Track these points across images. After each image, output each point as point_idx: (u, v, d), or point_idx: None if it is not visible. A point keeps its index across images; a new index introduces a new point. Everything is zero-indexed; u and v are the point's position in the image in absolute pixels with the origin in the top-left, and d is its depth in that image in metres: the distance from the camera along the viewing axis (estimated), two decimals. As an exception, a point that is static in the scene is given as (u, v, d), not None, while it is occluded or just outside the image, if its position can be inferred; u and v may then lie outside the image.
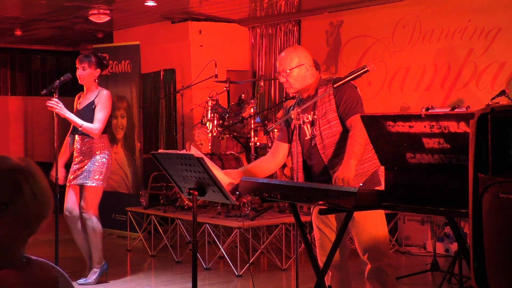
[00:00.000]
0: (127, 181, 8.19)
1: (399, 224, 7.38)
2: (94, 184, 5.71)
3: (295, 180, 3.82)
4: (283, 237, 6.56)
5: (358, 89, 3.83)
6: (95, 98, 5.77)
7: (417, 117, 2.70)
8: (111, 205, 7.84)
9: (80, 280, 5.81)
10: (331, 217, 3.86)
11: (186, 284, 5.99)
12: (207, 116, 7.13)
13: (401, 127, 2.77)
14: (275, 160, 4.02)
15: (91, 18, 9.19)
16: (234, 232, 6.34)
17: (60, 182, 5.70)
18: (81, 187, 5.76)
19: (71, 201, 5.79)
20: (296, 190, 3.24)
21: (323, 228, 3.94)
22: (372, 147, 3.05)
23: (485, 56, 7.03)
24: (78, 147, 5.81)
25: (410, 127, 2.74)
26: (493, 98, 5.56)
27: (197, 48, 9.40)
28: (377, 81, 7.98)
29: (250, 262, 6.19)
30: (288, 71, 3.80)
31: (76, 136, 5.83)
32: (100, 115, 5.71)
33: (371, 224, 3.78)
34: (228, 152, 7.42)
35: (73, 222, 5.80)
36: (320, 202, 3.04)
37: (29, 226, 1.72)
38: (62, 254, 5.62)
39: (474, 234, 2.36)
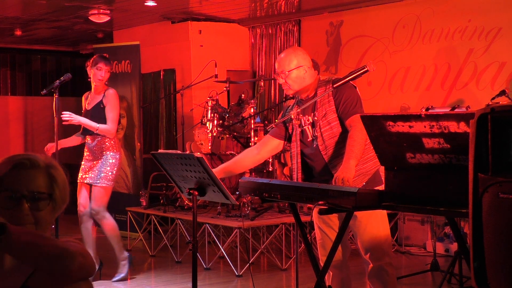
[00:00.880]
0: (127, 181, 8.19)
1: (399, 224, 7.38)
2: (104, 185, 5.80)
3: (294, 180, 3.82)
4: (283, 237, 6.56)
5: (357, 89, 3.83)
6: (103, 98, 5.85)
7: (417, 117, 2.70)
8: (111, 205, 7.78)
9: (114, 278, 5.95)
10: (333, 217, 3.85)
11: (186, 284, 5.99)
12: (207, 116, 7.13)
13: (401, 127, 2.77)
14: (260, 153, 4.01)
15: (91, 18, 9.19)
16: (234, 232, 6.34)
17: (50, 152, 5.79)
18: (91, 186, 5.85)
19: (83, 197, 5.89)
20: (296, 190, 3.24)
21: (324, 228, 3.94)
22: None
23: (485, 56, 7.03)
24: (89, 147, 5.90)
25: (410, 127, 2.74)
26: (493, 98, 5.56)
27: (197, 48, 9.40)
28: (377, 81, 7.98)
29: (250, 262, 6.19)
30: (286, 72, 3.80)
31: (87, 137, 5.91)
32: (112, 115, 5.82)
33: (373, 223, 3.79)
34: (228, 152, 7.42)
35: (85, 218, 5.90)
36: (320, 202, 3.04)
37: (59, 210, 2.12)
38: (62, 254, 5.62)
39: (474, 234, 2.36)
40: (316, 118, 3.79)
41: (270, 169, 7.00)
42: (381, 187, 3.54)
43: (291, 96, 4.10)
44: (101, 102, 5.84)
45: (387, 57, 7.95)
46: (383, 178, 3.58)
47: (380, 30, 8.03)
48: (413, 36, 7.69)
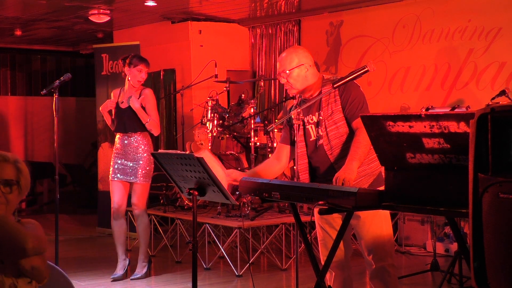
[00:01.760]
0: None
1: (399, 224, 7.38)
2: (144, 182, 5.94)
3: (300, 181, 3.80)
4: (283, 237, 6.56)
5: (360, 88, 3.81)
6: (139, 97, 5.94)
7: (417, 117, 2.70)
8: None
9: (132, 276, 6.08)
10: (336, 217, 3.84)
11: (186, 284, 6.00)
12: (207, 116, 7.13)
13: (401, 127, 2.77)
14: (280, 163, 4.01)
15: (91, 18, 9.19)
16: (234, 232, 6.34)
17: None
18: (131, 184, 5.99)
19: (117, 195, 6.02)
20: (296, 190, 3.24)
21: (326, 228, 3.93)
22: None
23: (485, 56, 7.03)
24: (121, 145, 5.99)
25: (410, 127, 2.74)
26: (493, 98, 5.56)
27: (197, 48, 9.40)
28: (377, 81, 7.98)
29: (250, 262, 6.19)
30: (288, 71, 3.78)
31: (120, 134, 6.01)
32: (155, 114, 5.99)
33: (376, 224, 3.78)
34: (228, 152, 7.42)
35: (119, 216, 6.05)
36: (320, 202, 3.04)
37: (23, 195, 2.83)
38: (62, 254, 5.63)
39: (474, 234, 2.36)
40: (321, 117, 3.76)
41: (270, 169, 6.99)
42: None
43: (293, 95, 4.08)
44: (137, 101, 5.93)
45: (387, 57, 7.95)
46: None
47: (380, 30, 8.03)
48: (413, 36, 7.69)
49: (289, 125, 3.95)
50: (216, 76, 8.05)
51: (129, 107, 5.91)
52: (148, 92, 5.98)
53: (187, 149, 7.79)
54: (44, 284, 2.86)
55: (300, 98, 3.92)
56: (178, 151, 3.61)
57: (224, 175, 3.66)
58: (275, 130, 6.66)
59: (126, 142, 5.98)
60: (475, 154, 2.34)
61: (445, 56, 7.39)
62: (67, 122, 11.74)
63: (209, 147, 7.35)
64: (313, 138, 3.81)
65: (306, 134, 3.84)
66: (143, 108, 5.93)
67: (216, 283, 6.06)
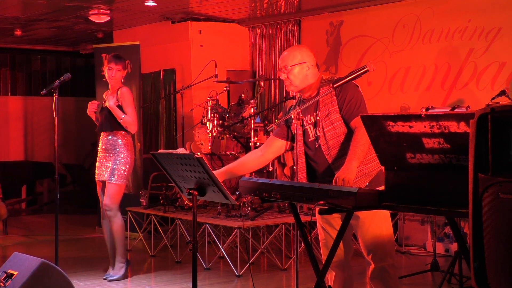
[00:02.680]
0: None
1: (399, 224, 7.38)
2: (117, 182, 5.87)
3: (296, 181, 3.81)
4: (283, 237, 6.56)
5: (359, 88, 3.82)
6: (117, 96, 5.92)
7: (417, 117, 2.70)
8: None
9: (107, 276, 5.98)
10: (337, 217, 3.84)
11: (186, 284, 6.00)
12: (207, 116, 7.13)
13: (401, 127, 2.77)
14: (264, 155, 3.98)
15: (91, 18, 9.19)
16: (234, 232, 6.34)
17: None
18: (103, 184, 5.93)
19: (102, 195, 5.99)
20: (296, 190, 3.24)
21: (327, 228, 3.93)
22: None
23: (485, 56, 7.03)
24: (102, 144, 5.97)
25: (410, 127, 2.74)
26: (493, 98, 5.55)
27: (197, 48, 9.40)
28: (377, 81, 7.98)
29: (250, 262, 6.19)
30: (289, 67, 3.79)
31: (103, 133, 5.99)
32: (130, 111, 5.89)
33: (376, 224, 3.77)
34: (228, 152, 7.42)
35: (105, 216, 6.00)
36: (320, 202, 3.04)
37: None
38: (62, 254, 5.63)
39: (474, 234, 2.36)
40: (318, 118, 3.77)
41: (270, 169, 7.00)
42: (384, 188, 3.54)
43: (293, 94, 4.08)
44: (116, 100, 5.90)
45: (387, 57, 7.95)
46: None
47: (380, 30, 8.03)
48: (413, 36, 7.69)
49: (287, 125, 3.95)
50: (216, 76, 8.05)
51: (106, 106, 5.92)
52: (124, 90, 5.92)
53: (187, 149, 7.79)
54: None
55: (299, 98, 3.93)
56: (178, 151, 3.61)
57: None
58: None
59: (104, 141, 5.95)
60: (475, 154, 2.34)
61: (445, 56, 7.39)
62: (67, 122, 11.73)
63: (209, 147, 7.36)
64: (311, 138, 3.82)
65: (305, 134, 3.84)
66: (120, 106, 5.89)
67: (216, 283, 6.06)
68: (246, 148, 7.38)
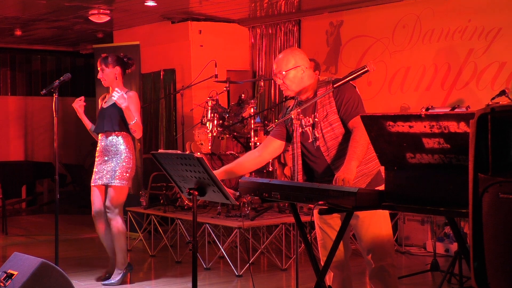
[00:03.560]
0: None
1: (399, 224, 7.38)
2: (120, 184, 5.74)
3: (295, 181, 3.81)
4: (283, 237, 6.56)
5: (357, 88, 3.82)
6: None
7: (417, 117, 2.70)
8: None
9: (105, 281, 5.88)
10: (335, 217, 3.85)
11: (186, 284, 6.00)
12: (207, 116, 7.12)
13: (401, 127, 2.77)
14: (261, 155, 3.98)
15: (91, 18, 9.19)
16: (234, 232, 6.34)
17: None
18: (107, 187, 5.79)
19: (97, 201, 5.83)
20: (296, 190, 3.24)
21: (325, 228, 3.94)
22: (375, 146, 3.04)
23: (485, 56, 7.03)
24: (103, 145, 5.82)
25: (410, 127, 2.74)
26: (493, 98, 5.55)
27: (197, 48, 9.40)
28: (377, 81, 7.98)
29: (250, 262, 6.19)
30: (284, 72, 3.79)
31: (100, 135, 5.87)
32: (138, 116, 5.77)
33: (375, 224, 3.78)
34: (228, 152, 7.42)
35: (100, 221, 5.84)
36: (320, 202, 3.04)
37: None
38: (62, 254, 5.63)
39: (474, 234, 2.36)
40: (317, 119, 3.77)
41: (270, 169, 7.00)
42: (383, 187, 3.54)
43: (291, 97, 4.09)
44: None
45: (387, 57, 7.95)
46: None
47: (380, 30, 8.03)
48: (413, 36, 7.69)
49: (285, 126, 3.95)
50: (216, 76, 8.05)
51: (111, 106, 5.79)
52: (132, 94, 5.81)
53: (187, 149, 7.79)
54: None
55: (297, 100, 3.93)
56: (178, 151, 3.61)
57: None
58: (275, 130, 6.66)
59: (105, 142, 5.80)
60: (475, 154, 2.34)
61: (445, 56, 7.39)
62: (67, 122, 11.72)
63: (209, 147, 7.36)
64: (310, 140, 3.82)
65: (304, 136, 3.85)
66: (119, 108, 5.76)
67: (216, 283, 6.06)
68: (246, 148, 7.38)
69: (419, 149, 2.77)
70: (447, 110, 5.15)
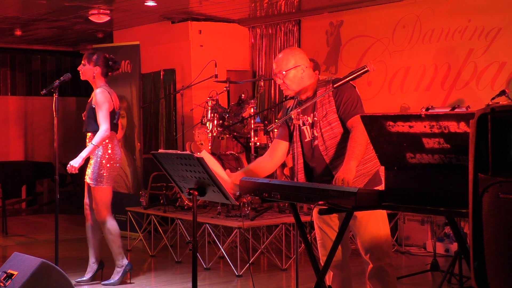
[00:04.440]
0: (127, 181, 8.18)
1: (399, 224, 7.38)
2: (96, 185, 5.76)
3: (295, 181, 3.81)
4: (283, 237, 6.56)
5: (356, 88, 3.83)
6: (92, 98, 5.84)
7: (417, 117, 2.70)
8: (111, 205, 7.84)
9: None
10: (334, 217, 3.86)
11: (186, 284, 6.00)
12: (207, 116, 7.12)
13: (401, 127, 2.77)
14: (273, 160, 3.98)
15: (91, 18, 9.19)
16: (234, 232, 6.34)
17: None
18: (89, 187, 5.85)
19: (87, 196, 5.93)
20: (296, 190, 3.24)
21: (324, 228, 3.94)
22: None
23: (485, 56, 7.03)
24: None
25: (410, 127, 2.74)
26: (493, 98, 5.56)
27: (197, 48, 9.40)
28: (377, 81, 7.98)
29: (250, 262, 6.19)
30: (284, 72, 3.79)
31: (87, 134, 5.88)
32: (101, 115, 5.68)
33: (373, 223, 3.78)
34: (228, 152, 7.41)
35: (88, 217, 5.94)
36: (320, 202, 3.04)
37: None
38: (62, 254, 5.63)
39: (474, 234, 2.36)
40: (316, 118, 3.78)
41: (270, 169, 6.99)
42: (381, 187, 3.54)
43: (291, 97, 4.09)
44: (90, 102, 5.84)
45: (387, 57, 7.95)
46: (382, 178, 3.59)
47: (380, 30, 8.03)
48: (413, 36, 7.69)
49: (287, 125, 3.96)
50: (216, 76, 8.05)
51: (89, 105, 5.79)
52: (97, 92, 5.77)
53: (187, 149, 7.79)
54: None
55: (296, 100, 3.94)
56: (178, 151, 3.62)
57: (226, 176, 3.67)
58: (275, 130, 6.66)
59: (88, 142, 5.81)
60: (475, 154, 2.34)
61: (445, 56, 7.39)
62: (67, 122, 11.73)
63: (209, 147, 7.35)
64: (308, 139, 3.83)
65: (302, 135, 3.85)
66: (94, 108, 5.74)
67: (216, 283, 6.06)
68: (246, 148, 7.38)
69: (419, 149, 2.77)
70: (447, 110, 5.15)
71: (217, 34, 9.52)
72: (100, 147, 5.72)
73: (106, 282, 5.89)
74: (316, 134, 3.78)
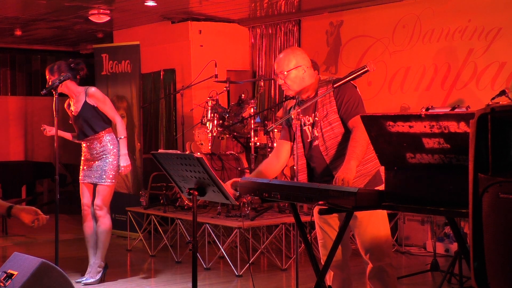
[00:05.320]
0: (127, 181, 8.18)
1: (399, 224, 7.38)
2: (110, 183, 5.84)
3: (297, 181, 3.81)
4: (283, 237, 6.56)
5: (357, 88, 3.82)
6: (86, 98, 5.87)
7: (417, 117, 2.70)
8: (111, 205, 7.82)
9: (82, 279, 5.88)
10: (335, 217, 3.85)
11: (186, 284, 6.00)
12: (207, 116, 7.12)
13: (401, 127, 2.77)
14: (280, 161, 3.99)
15: (91, 18, 9.19)
16: (234, 232, 6.34)
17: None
18: (95, 186, 5.88)
19: (86, 197, 5.95)
20: (296, 190, 3.24)
21: (325, 228, 3.94)
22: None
23: (485, 56, 7.03)
24: (86, 150, 5.91)
25: (410, 127, 2.74)
26: (493, 98, 5.55)
27: (197, 48, 9.40)
28: (377, 81, 7.98)
29: (250, 262, 6.19)
30: (285, 72, 3.79)
31: (83, 143, 5.94)
32: (110, 108, 5.87)
33: (374, 224, 3.78)
34: (228, 152, 7.42)
35: (88, 217, 5.96)
36: (320, 202, 3.04)
37: None
38: (62, 254, 5.62)
39: (474, 234, 2.36)
40: (317, 118, 3.78)
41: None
42: (381, 187, 3.54)
43: (292, 96, 4.09)
44: (86, 102, 5.84)
45: (387, 57, 7.95)
46: (383, 178, 3.59)
47: (380, 30, 8.03)
48: (413, 36, 7.69)
49: (288, 126, 3.96)
50: (216, 76, 8.05)
51: (82, 110, 5.83)
52: (93, 90, 5.91)
53: (187, 149, 7.79)
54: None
55: (298, 99, 3.94)
56: (178, 151, 3.62)
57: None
58: (275, 130, 6.67)
59: (90, 145, 5.87)
60: (475, 154, 2.34)
61: (445, 56, 7.39)
62: (67, 122, 11.71)
63: (209, 147, 7.35)
64: (309, 139, 3.83)
65: (303, 135, 3.85)
66: (95, 108, 5.81)
67: (216, 283, 6.06)
68: (246, 148, 7.38)
69: (419, 149, 2.77)
70: (447, 110, 5.15)
71: (217, 34, 9.52)
72: (115, 146, 5.83)
73: (86, 281, 5.89)
74: (316, 134, 3.78)
